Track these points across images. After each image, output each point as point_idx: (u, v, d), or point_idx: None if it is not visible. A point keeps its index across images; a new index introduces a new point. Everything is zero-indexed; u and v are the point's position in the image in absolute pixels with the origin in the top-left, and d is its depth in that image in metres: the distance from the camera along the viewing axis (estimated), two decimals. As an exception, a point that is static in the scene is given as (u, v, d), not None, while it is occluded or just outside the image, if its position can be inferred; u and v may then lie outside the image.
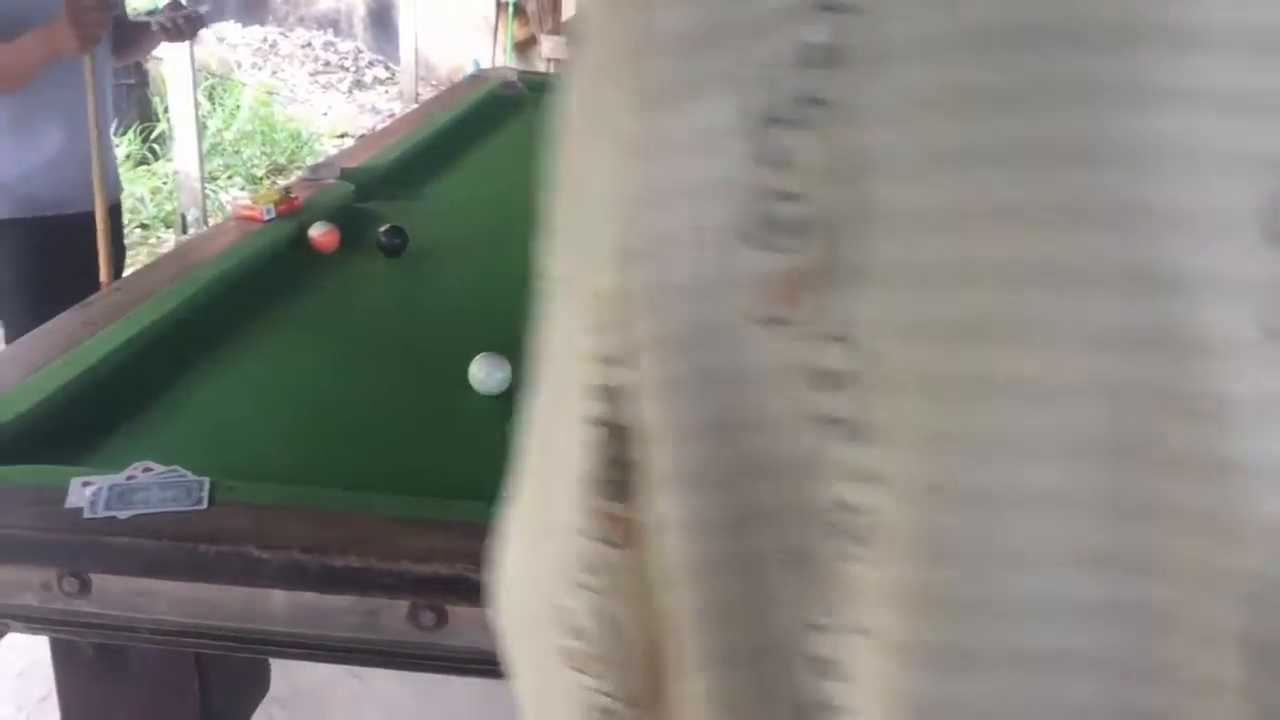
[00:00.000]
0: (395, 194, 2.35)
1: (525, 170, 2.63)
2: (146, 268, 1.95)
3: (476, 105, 3.10)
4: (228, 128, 6.18)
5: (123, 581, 1.11)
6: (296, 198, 2.11)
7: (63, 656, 1.29)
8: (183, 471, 1.19)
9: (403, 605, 1.09)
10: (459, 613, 1.08)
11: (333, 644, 1.12)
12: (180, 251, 2.12)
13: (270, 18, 8.02)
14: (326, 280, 1.92)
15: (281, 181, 5.87)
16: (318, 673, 2.08)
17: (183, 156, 5.24)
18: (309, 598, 1.10)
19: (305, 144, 6.48)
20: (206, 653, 1.24)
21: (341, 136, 6.81)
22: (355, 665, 1.16)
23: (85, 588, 1.11)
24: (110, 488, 1.14)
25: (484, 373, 1.48)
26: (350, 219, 2.11)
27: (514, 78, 3.51)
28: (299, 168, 6.03)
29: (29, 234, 2.31)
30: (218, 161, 5.85)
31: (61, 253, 2.28)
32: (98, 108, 2.20)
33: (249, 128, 6.27)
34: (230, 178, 5.85)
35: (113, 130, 2.70)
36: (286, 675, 1.96)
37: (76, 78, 2.29)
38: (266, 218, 2.01)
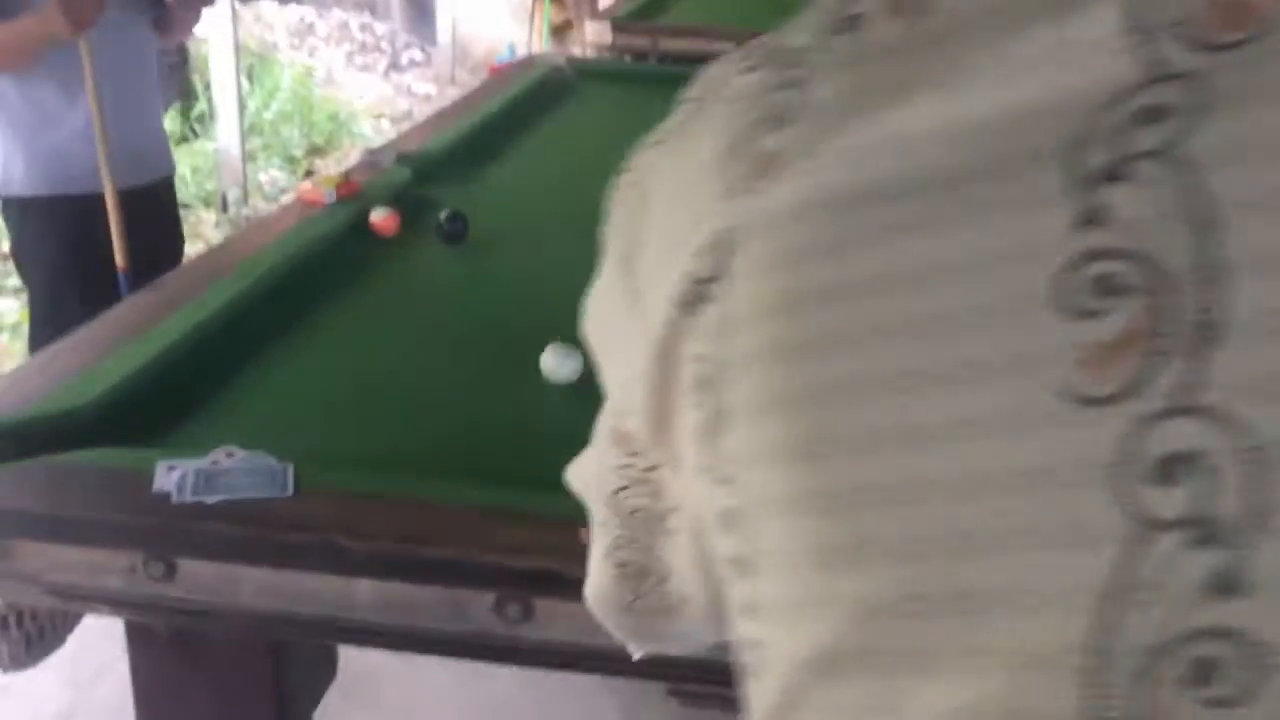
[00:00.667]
0: (451, 179, 2.34)
1: (578, 157, 2.59)
2: (212, 250, 1.95)
3: (527, 91, 3.07)
4: (266, 108, 6.18)
5: (208, 567, 1.10)
6: (356, 182, 2.10)
7: (137, 639, 1.28)
8: (266, 456, 1.19)
9: (489, 597, 1.08)
10: (545, 606, 1.07)
11: (417, 634, 1.11)
12: (246, 234, 2.12)
13: (307, -2, 8.01)
14: (390, 266, 1.91)
15: (319, 162, 5.89)
16: (369, 657, 2.08)
17: (224, 135, 5.26)
18: (395, 588, 1.09)
19: (343, 125, 6.48)
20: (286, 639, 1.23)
21: (378, 117, 6.81)
22: (439, 655, 1.15)
23: (171, 572, 1.10)
24: (196, 472, 1.14)
25: (555, 362, 1.48)
26: (409, 204, 2.10)
27: (562, 63, 3.49)
28: (337, 149, 6.06)
29: (68, 212, 2.33)
30: (256, 141, 5.86)
31: (99, 231, 2.29)
32: (96, 86, 2.22)
33: (288, 108, 6.27)
34: (269, 158, 5.86)
35: (162, 108, 2.71)
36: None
37: (117, 57, 2.30)
38: (328, 201, 2.00)
